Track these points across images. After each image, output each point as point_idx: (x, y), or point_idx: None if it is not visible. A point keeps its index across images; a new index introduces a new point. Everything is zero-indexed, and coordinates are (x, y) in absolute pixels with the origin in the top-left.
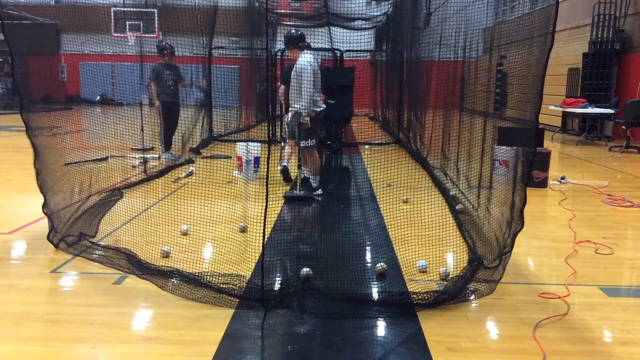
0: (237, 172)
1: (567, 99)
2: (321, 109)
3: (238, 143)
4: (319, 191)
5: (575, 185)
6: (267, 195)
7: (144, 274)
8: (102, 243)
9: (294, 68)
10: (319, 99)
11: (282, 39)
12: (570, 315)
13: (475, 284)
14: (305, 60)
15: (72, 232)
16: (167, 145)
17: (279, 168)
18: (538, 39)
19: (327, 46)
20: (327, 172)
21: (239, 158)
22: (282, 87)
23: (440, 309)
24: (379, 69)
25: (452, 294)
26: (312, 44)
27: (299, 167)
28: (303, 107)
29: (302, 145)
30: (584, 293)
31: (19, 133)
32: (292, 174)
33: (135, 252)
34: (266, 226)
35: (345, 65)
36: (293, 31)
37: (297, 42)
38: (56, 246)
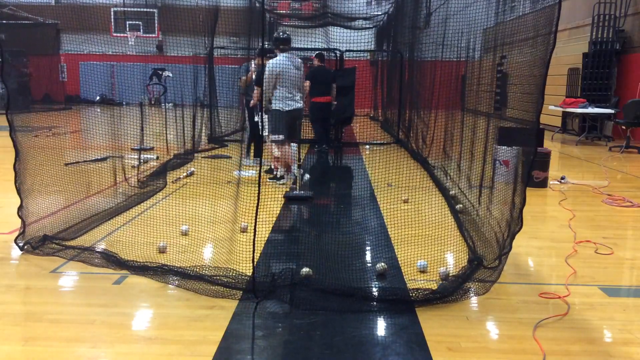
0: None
1: (567, 99)
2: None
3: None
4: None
5: (575, 185)
6: (259, 189)
7: (132, 272)
8: (73, 244)
9: None
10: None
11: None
12: (570, 315)
13: (472, 283)
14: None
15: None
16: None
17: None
18: (540, 39)
19: (325, 46)
20: (328, 172)
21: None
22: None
23: (441, 309)
24: (379, 69)
25: (445, 292)
26: (311, 45)
27: (299, 166)
28: None
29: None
30: (584, 293)
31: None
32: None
33: (115, 252)
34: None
35: (346, 65)
36: (282, 34)
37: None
38: (21, 249)
